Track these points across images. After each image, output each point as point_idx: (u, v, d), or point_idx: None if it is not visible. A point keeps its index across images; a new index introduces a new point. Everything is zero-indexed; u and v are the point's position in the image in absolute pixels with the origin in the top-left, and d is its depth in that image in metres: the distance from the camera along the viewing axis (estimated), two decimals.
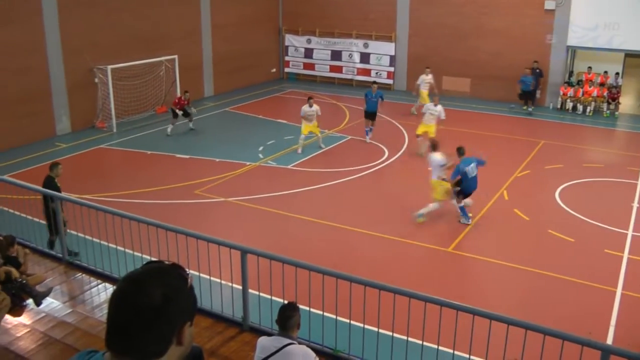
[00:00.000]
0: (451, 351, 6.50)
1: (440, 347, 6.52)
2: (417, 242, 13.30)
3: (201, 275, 7.43)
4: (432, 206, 14.15)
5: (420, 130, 18.99)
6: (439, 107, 18.81)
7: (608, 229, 14.08)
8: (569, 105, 25.22)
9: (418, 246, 13.16)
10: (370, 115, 20.52)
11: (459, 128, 21.10)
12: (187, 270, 2.04)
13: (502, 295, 11.40)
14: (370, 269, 11.49)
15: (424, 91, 23.74)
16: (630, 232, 13.90)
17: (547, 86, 25.96)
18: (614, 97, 25.22)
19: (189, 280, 2.01)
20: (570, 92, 25.31)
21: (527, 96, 24.82)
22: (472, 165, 13.79)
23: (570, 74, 26.65)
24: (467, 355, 6.49)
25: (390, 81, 29.25)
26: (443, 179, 14.15)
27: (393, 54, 29.02)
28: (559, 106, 25.53)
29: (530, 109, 24.65)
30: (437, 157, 14.24)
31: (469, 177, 13.71)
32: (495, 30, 26.30)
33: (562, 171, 17.87)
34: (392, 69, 29.22)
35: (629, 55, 26.08)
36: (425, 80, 23.87)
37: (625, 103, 26.27)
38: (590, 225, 14.29)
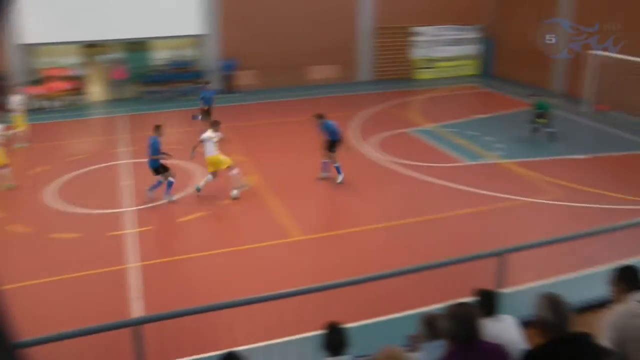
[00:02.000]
0: None
1: None
2: None
3: None
4: (209, 177, 15.29)
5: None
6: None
7: (108, 213, 14.52)
8: (41, 104, 24.74)
9: None
10: None
11: None
12: None
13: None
14: None
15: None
16: (127, 209, 14.65)
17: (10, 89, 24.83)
18: (80, 87, 25.77)
19: None
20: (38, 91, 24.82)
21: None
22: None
23: (34, 72, 25.85)
24: None
25: None
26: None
27: None
28: (37, 107, 24.63)
29: None
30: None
31: None
32: None
33: (51, 172, 17.43)
34: None
35: (87, 46, 26.93)
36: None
37: (93, 91, 27.15)
38: (93, 216, 14.44)
